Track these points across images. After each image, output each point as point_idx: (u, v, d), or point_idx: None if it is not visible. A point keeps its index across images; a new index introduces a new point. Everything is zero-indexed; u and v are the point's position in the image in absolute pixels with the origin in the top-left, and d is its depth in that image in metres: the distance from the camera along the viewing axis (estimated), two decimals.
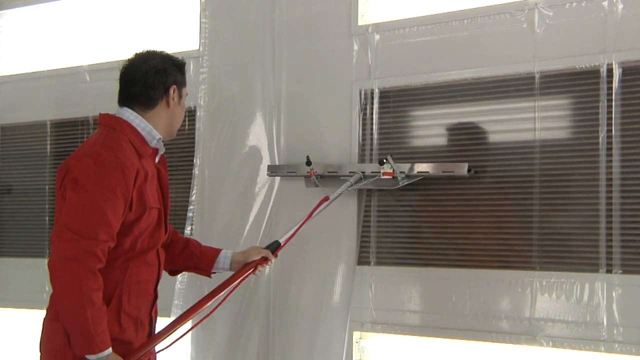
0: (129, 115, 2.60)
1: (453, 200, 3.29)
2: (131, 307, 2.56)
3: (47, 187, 4.43)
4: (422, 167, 3.26)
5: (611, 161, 2.95)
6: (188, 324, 2.78)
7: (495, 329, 3.13)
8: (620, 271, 2.90)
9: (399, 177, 3.24)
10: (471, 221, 3.25)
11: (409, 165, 3.28)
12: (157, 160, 2.67)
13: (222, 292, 2.79)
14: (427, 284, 3.32)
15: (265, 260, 2.87)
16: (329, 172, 3.45)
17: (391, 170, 3.23)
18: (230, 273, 2.84)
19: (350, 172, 3.37)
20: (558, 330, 3.01)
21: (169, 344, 2.72)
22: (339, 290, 3.49)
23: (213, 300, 2.78)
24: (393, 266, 3.43)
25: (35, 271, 4.39)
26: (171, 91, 2.65)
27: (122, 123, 2.58)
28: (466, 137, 3.31)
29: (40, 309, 4.40)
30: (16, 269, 4.49)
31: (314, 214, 3.07)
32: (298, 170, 3.54)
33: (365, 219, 3.48)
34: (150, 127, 2.60)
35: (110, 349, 2.38)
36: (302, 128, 3.67)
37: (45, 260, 4.37)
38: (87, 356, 2.35)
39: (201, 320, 2.79)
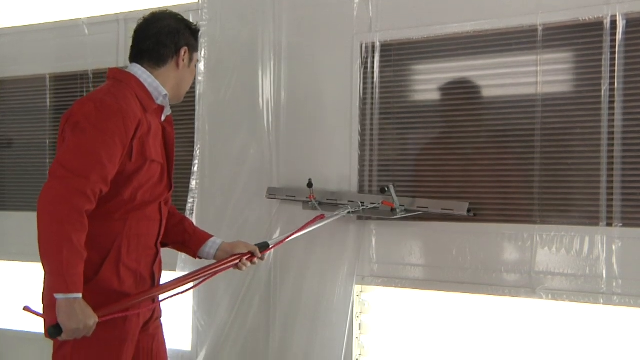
0: (137, 70, 2.63)
1: (454, 155, 3.29)
2: (130, 260, 2.57)
3: (47, 140, 4.43)
4: (422, 203, 3.26)
5: (613, 114, 2.94)
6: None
7: (495, 282, 3.15)
8: (621, 224, 2.91)
9: (397, 210, 3.24)
10: (472, 175, 3.25)
11: (410, 199, 3.28)
12: (163, 118, 2.69)
13: (202, 275, 2.76)
14: (427, 237, 3.33)
15: (251, 256, 2.82)
16: (328, 199, 3.45)
17: (391, 202, 3.23)
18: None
19: (349, 201, 3.36)
20: (557, 283, 3.02)
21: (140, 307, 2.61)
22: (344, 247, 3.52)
23: (192, 279, 2.74)
24: (391, 220, 3.42)
25: (35, 224, 4.40)
26: (182, 52, 2.67)
27: (129, 76, 2.61)
28: (468, 92, 3.29)
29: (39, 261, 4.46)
30: (18, 222, 4.51)
31: (307, 228, 3.07)
32: (297, 195, 3.54)
33: (365, 173, 3.48)
34: (157, 83, 2.62)
35: (80, 295, 2.30)
36: (302, 81, 3.64)
37: None
38: (55, 295, 2.29)
39: (173, 296, 2.72)
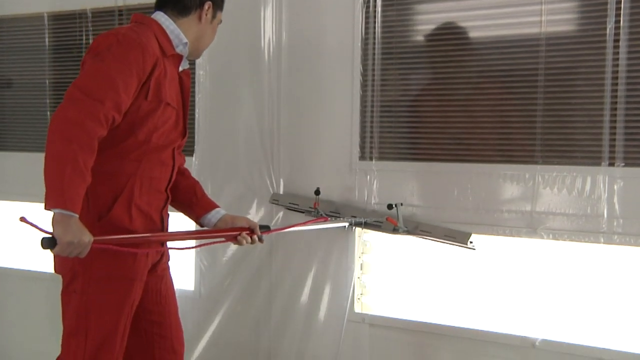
0: (160, 17, 2.69)
1: (456, 96, 3.27)
2: (142, 201, 2.61)
3: (47, 81, 4.39)
4: (425, 227, 3.25)
5: (618, 53, 2.92)
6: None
7: (496, 222, 3.17)
8: (623, 164, 2.91)
9: (400, 230, 3.24)
10: (474, 115, 3.24)
11: (414, 223, 3.27)
12: (180, 69, 2.73)
13: (202, 237, 2.80)
14: (429, 178, 3.34)
15: (251, 232, 2.78)
16: (330, 211, 3.44)
17: (395, 220, 3.23)
18: None
19: (352, 216, 3.34)
20: (559, 223, 3.04)
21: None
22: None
23: (194, 237, 2.78)
24: (395, 161, 3.43)
25: (39, 165, 4.40)
26: (206, 6, 2.73)
27: (151, 21, 2.68)
28: (471, 32, 3.25)
29: (42, 202, 4.47)
30: (19, 163, 4.51)
31: (309, 225, 3.08)
32: (301, 204, 3.53)
33: (367, 114, 3.46)
34: (178, 31, 2.68)
35: (77, 216, 2.29)
36: (303, 21, 3.60)
37: None
38: (53, 209, 2.28)
39: (171, 248, 2.77)
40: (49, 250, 2.33)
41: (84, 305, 2.53)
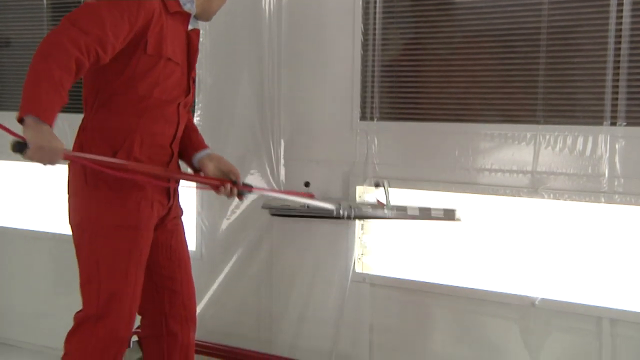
0: None
1: (457, 55, 3.24)
2: (142, 155, 2.64)
3: None
4: (413, 211, 3.23)
5: (622, 11, 2.89)
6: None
7: (497, 183, 3.17)
8: (625, 123, 2.90)
9: (387, 209, 3.22)
10: (476, 75, 3.22)
11: (404, 207, 3.25)
12: (190, 27, 2.73)
13: (180, 177, 2.81)
14: (430, 138, 3.33)
15: (233, 185, 2.78)
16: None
17: (383, 198, 3.22)
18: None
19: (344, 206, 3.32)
20: (559, 183, 3.04)
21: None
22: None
23: (169, 176, 2.77)
24: (396, 121, 3.42)
25: None
26: None
27: None
28: None
29: None
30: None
31: (292, 196, 3.06)
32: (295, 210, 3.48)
33: (368, 74, 3.45)
34: None
35: (49, 127, 2.30)
36: None
37: None
38: (25, 117, 2.30)
39: (155, 183, 2.75)
40: (19, 155, 2.35)
41: (94, 254, 2.62)
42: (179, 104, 2.73)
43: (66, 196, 2.71)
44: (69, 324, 4.50)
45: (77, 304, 4.44)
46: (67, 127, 4.31)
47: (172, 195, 2.81)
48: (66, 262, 4.39)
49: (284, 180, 3.67)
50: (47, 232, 4.46)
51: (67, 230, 4.39)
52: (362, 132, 3.46)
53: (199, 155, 2.88)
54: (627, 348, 2.93)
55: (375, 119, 3.44)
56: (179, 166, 2.89)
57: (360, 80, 3.46)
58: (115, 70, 2.57)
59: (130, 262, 2.64)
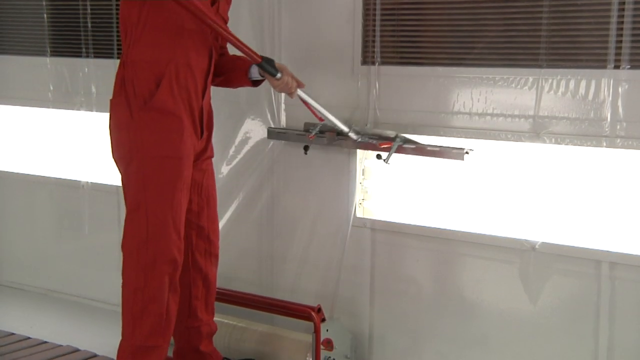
0: None
1: None
2: (181, 86, 2.85)
3: None
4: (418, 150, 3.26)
5: None
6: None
7: (499, 127, 3.15)
8: (628, 66, 2.87)
9: (385, 161, 3.24)
10: (478, 18, 3.18)
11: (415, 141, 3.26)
12: None
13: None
14: (432, 83, 3.30)
15: (291, 90, 3.03)
16: (328, 131, 3.41)
17: (388, 148, 3.26)
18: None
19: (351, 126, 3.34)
20: (561, 127, 3.02)
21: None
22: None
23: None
24: (398, 65, 3.39)
25: (39, 70, 4.38)
26: None
27: None
28: None
29: (46, 107, 4.47)
30: (19, 67, 4.48)
31: (310, 108, 3.15)
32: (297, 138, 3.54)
33: (369, 18, 3.40)
34: None
35: None
36: None
37: (47, 59, 4.38)
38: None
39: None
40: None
41: (142, 182, 2.83)
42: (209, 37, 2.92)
43: (109, 131, 2.93)
44: (72, 267, 4.57)
45: (79, 247, 4.49)
46: (65, 70, 4.31)
47: (204, 127, 2.99)
48: (67, 207, 4.44)
49: (284, 125, 3.66)
50: (48, 177, 4.47)
51: (68, 174, 4.44)
52: (363, 76, 3.44)
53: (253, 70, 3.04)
54: (626, 291, 2.95)
55: (377, 64, 3.41)
56: (211, 109, 3.05)
57: (361, 23, 3.42)
58: (148, 5, 2.78)
59: (175, 189, 2.85)
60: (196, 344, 3.16)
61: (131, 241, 2.87)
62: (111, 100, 2.93)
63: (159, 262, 2.84)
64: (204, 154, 3.05)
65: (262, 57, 2.97)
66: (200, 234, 3.09)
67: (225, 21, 3.02)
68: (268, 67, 2.96)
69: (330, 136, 3.43)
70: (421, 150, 3.25)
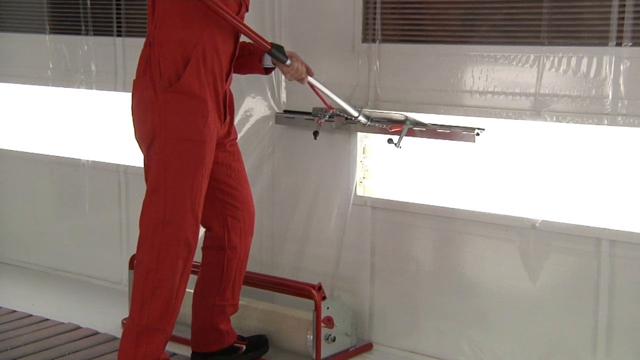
0: None
1: None
2: (207, 69, 2.86)
3: None
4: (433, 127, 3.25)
5: None
6: None
7: (500, 105, 3.14)
8: (630, 43, 2.85)
9: (397, 145, 3.24)
10: None
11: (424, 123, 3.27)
12: None
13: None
14: (433, 61, 3.29)
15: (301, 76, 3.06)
16: (337, 114, 3.39)
17: (398, 132, 3.25)
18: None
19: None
20: (563, 105, 3.01)
21: None
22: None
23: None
24: (399, 43, 3.38)
25: (38, 47, 4.37)
26: None
27: None
28: None
29: (45, 85, 4.46)
30: (18, 44, 4.46)
31: (318, 93, 3.17)
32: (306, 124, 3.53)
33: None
34: None
35: None
36: None
37: (47, 36, 4.37)
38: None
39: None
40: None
41: (163, 162, 2.84)
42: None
43: (132, 112, 2.94)
44: (73, 245, 4.58)
45: (80, 226, 4.50)
46: (65, 48, 4.30)
47: (227, 109, 3.00)
48: (68, 185, 4.44)
49: (285, 102, 3.65)
50: (49, 155, 4.47)
51: (68, 153, 4.44)
52: (364, 54, 3.43)
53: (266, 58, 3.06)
54: (625, 268, 2.95)
55: (378, 41, 3.40)
56: (232, 93, 3.06)
57: (362, 1, 3.40)
58: None
59: (196, 173, 2.86)
60: (217, 322, 3.20)
61: (148, 222, 2.88)
62: (134, 81, 2.93)
63: (174, 245, 2.85)
64: (227, 138, 3.07)
65: (272, 44, 2.99)
66: (234, 213, 3.13)
67: (247, 9, 3.02)
68: (278, 53, 2.99)
69: (339, 120, 3.43)
70: (432, 132, 3.25)
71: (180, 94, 2.82)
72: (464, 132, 3.17)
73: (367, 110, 3.36)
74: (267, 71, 3.16)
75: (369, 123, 3.34)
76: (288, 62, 3.00)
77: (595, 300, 3.01)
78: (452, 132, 3.20)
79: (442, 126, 3.24)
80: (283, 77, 3.61)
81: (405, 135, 3.25)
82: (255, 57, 3.09)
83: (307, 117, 3.54)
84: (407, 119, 3.27)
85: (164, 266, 2.85)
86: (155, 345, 2.88)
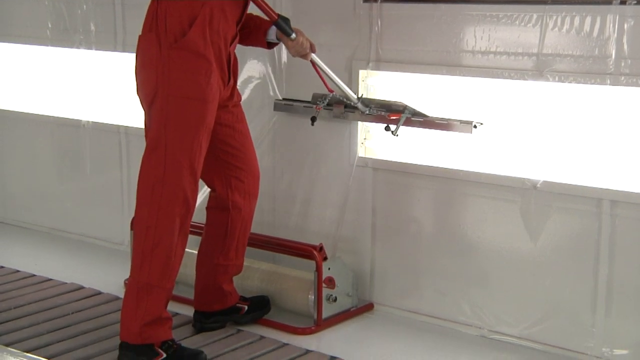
0: None
1: None
2: (213, 30, 2.85)
3: None
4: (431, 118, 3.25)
5: None
6: None
7: (502, 66, 3.13)
8: (635, 1, 2.82)
9: (394, 133, 3.23)
10: None
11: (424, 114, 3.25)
12: None
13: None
14: (434, 21, 3.26)
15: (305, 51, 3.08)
16: (336, 102, 3.38)
17: (397, 121, 3.25)
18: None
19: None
20: (565, 65, 2.99)
21: None
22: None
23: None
24: (400, 2, 3.35)
25: (36, 7, 4.34)
26: None
27: None
28: None
29: (44, 45, 4.43)
30: (16, 4, 4.43)
31: (320, 75, 3.18)
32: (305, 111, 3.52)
33: None
34: None
35: None
36: None
37: None
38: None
39: None
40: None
41: (164, 120, 2.84)
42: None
43: (135, 69, 2.94)
44: (74, 206, 4.60)
45: (81, 187, 4.51)
46: (63, 7, 4.26)
47: (231, 72, 2.99)
48: (69, 146, 4.44)
49: (285, 62, 3.63)
50: (49, 116, 4.46)
51: (68, 114, 4.43)
52: (365, 14, 3.40)
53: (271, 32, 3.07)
54: (626, 228, 2.96)
55: (379, 1, 3.36)
56: (236, 56, 3.05)
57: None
58: None
59: (197, 132, 2.86)
60: (220, 282, 3.23)
61: (147, 179, 2.89)
62: (140, 37, 2.92)
63: (172, 203, 2.86)
64: (230, 100, 3.07)
65: (279, 15, 2.98)
66: (240, 175, 3.15)
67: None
68: (284, 25, 2.99)
69: (338, 108, 3.42)
70: (429, 123, 3.25)
71: (185, 51, 2.81)
72: (461, 124, 3.17)
73: (366, 99, 3.35)
74: (270, 46, 3.15)
75: (367, 111, 3.33)
76: (293, 35, 3.01)
77: (596, 260, 3.02)
78: (449, 123, 3.20)
79: (439, 118, 3.23)
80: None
81: (403, 125, 3.25)
82: (260, 30, 3.08)
83: (305, 104, 3.54)
84: (405, 108, 3.26)
85: (163, 223, 2.86)
86: (157, 302, 2.90)
